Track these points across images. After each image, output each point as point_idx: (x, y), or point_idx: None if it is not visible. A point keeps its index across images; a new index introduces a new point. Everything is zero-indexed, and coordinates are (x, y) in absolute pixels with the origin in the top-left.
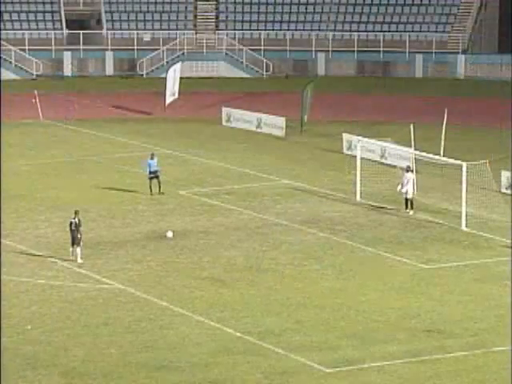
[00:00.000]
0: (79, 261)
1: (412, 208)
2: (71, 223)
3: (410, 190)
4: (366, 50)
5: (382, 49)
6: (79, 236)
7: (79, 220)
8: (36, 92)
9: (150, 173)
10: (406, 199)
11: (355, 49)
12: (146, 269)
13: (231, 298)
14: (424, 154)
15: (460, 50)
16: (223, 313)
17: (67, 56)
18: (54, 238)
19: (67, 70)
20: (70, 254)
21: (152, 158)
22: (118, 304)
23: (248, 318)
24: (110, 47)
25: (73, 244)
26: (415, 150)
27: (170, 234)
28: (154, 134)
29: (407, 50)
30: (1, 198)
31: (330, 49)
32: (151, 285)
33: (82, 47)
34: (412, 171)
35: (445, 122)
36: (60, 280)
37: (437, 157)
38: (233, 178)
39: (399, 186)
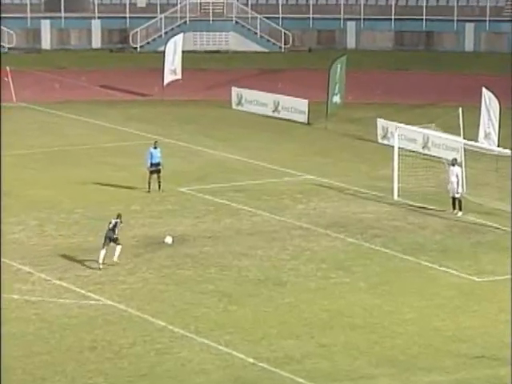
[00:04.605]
0: (115, 259)
1: (460, 209)
2: (110, 222)
3: (456, 187)
4: (405, 18)
5: (424, 16)
6: (115, 236)
7: (121, 220)
8: (8, 68)
9: (152, 165)
10: (453, 198)
11: (392, 17)
12: (140, 281)
13: (242, 316)
14: (475, 143)
15: None
16: (233, 334)
17: (45, 25)
18: (30, 244)
19: (45, 42)
20: (99, 260)
21: (155, 147)
22: (106, 324)
23: (263, 340)
24: (96, 15)
25: (104, 245)
26: (464, 138)
27: (169, 240)
28: (150, 119)
29: (455, 18)
30: (1, 198)
31: (362, 17)
32: (146, 301)
33: (63, 14)
34: (459, 165)
35: (497, 105)
36: (37, 295)
37: (491, 147)
38: (244, 172)
39: (449, 185)
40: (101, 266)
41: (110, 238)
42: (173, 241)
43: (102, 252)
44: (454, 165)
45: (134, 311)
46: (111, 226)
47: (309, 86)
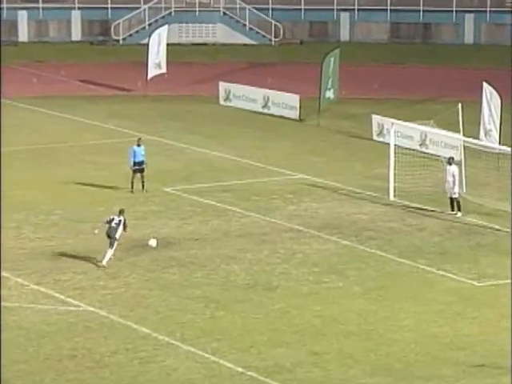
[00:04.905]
0: (104, 263)
1: (459, 209)
2: (113, 220)
3: (453, 186)
4: (401, 9)
5: (421, 7)
6: (116, 237)
7: (125, 219)
8: None
9: (135, 164)
10: (451, 199)
11: (388, 7)
12: (122, 286)
13: (230, 323)
14: (475, 141)
15: None
16: (220, 342)
17: (22, 16)
18: (7, 247)
19: (22, 35)
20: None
21: (138, 145)
22: (86, 331)
23: (252, 348)
24: (76, 5)
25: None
26: (464, 135)
27: (153, 243)
28: (133, 115)
29: (454, 9)
30: (1, 198)
31: (356, 7)
32: (129, 306)
33: (40, 5)
34: (456, 164)
35: (498, 100)
36: (14, 301)
37: (491, 144)
38: (233, 171)
39: (446, 185)
40: (104, 263)
41: (109, 236)
42: (157, 243)
43: (110, 251)
44: (450, 164)
45: (116, 318)
46: (114, 223)
47: (300, 81)
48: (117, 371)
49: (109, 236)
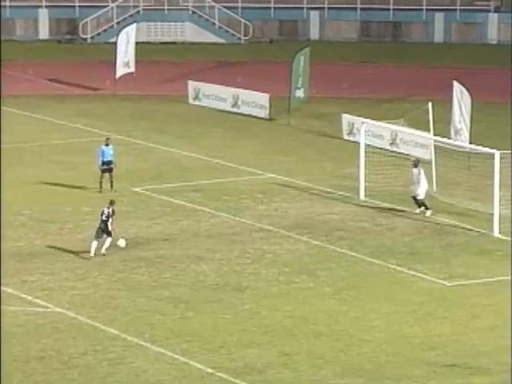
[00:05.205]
0: (103, 251)
1: (427, 208)
2: (103, 213)
3: (419, 189)
4: (371, 8)
5: (391, 6)
6: (110, 229)
7: (113, 210)
8: None
9: (103, 163)
10: (414, 198)
11: (358, 6)
12: (91, 287)
13: (200, 324)
14: (446, 140)
15: (492, 8)
16: (190, 343)
17: None
18: None
19: None
20: (90, 252)
21: (107, 144)
22: (54, 332)
23: (222, 349)
24: (44, 4)
25: (96, 237)
26: (435, 135)
27: (121, 243)
28: (101, 114)
29: (424, 7)
30: (0, 198)
31: (326, 6)
32: (98, 307)
33: (8, 3)
34: (427, 163)
35: (468, 99)
36: None
37: (462, 143)
38: (202, 171)
39: (412, 186)
40: (92, 256)
41: (103, 230)
42: (126, 244)
43: (94, 243)
44: (416, 166)
45: (85, 319)
46: (104, 216)
47: (270, 80)
48: (85, 373)
49: (103, 231)
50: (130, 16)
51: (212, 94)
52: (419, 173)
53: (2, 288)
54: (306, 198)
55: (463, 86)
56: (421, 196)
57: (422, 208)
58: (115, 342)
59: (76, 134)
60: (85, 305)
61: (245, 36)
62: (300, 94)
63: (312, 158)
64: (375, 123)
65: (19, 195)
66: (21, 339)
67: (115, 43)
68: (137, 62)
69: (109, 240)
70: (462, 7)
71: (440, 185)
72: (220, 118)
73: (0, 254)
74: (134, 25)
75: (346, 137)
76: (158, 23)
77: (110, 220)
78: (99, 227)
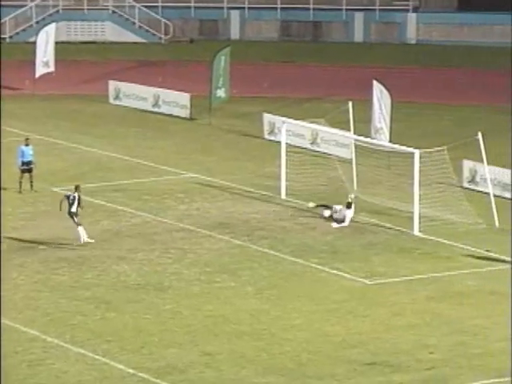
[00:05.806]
0: (89, 240)
1: (349, 207)
2: (68, 197)
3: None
4: (291, 7)
5: (311, 5)
6: (73, 211)
7: (79, 196)
8: None
9: (23, 163)
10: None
11: (278, 5)
12: (10, 288)
13: (121, 324)
14: (366, 139)
15: (410, 8)
16: (111, 343)
17: None
18: None
19: None
20: (84, 238)
21: (27, 145)
22: None
23: (143, 349)
24: None
25: (76, 223)
26: (355, 134)
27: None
28: (20, 115)
29: (344, 7)
30: (0, 198)
31: (246, 5)
32: (18, 309)
33: None
34: (348, 162)
35: (388, 99)
36: None
37: (382, 142)
38: (123, 170)
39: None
40: (91, 240)
41: (71, 213)
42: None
43: (80, 228)
44: (349, 207)
45: (4, 320)
46: (70, 200)
47: (191, 80)
48: (5, 374)
49: (69, 214)
50: (50, 15)
51: (133, 94)
52: (347, 214)
53: None
54: (228, 197)
55: (383, 85)
56: (345, 223)
57: (346, 208)
58: (35, 344)
59: None
60: (4, 306)
61: (165, 35)
62: (221, 93)
63: (233, 157)
64: (296, 122)
65: None
66: None
67: (34, 43)
68: (57, 61)
69: (81, 228)
70: (381, 7)
71: (360, 184)
72: (141, 117)
73: (0, 253)
74: (54, 24)
75: (267, 136)
76: (78, 23)
77: (76, 204)
78: (68, 212)
